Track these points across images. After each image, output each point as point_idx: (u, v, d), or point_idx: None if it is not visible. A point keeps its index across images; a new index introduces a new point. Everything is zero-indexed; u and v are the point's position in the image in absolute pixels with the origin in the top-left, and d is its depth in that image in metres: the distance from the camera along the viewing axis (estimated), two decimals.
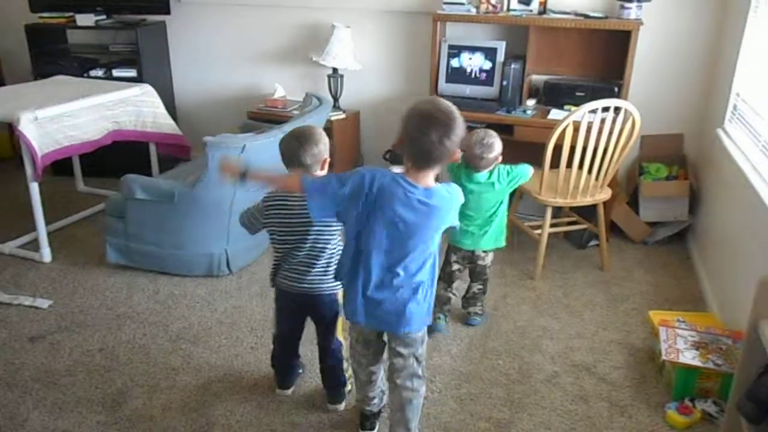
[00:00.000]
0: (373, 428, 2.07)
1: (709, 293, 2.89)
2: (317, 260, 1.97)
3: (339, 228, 1.99)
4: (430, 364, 2.43)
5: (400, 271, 1.70)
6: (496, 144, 2.45)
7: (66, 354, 2.47)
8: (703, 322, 2.42)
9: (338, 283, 1.98)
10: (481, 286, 2.70)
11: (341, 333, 2.14)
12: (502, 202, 2.57)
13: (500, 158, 2.50)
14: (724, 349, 2.23)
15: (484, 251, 2.63)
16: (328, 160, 1.99)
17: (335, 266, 1.95)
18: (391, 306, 1.73)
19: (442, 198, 1.67)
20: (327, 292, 2.02)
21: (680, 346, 2.25)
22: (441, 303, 2.63)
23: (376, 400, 2.05)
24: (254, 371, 2.38)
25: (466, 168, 2.51)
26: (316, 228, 1.94)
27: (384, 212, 1.64)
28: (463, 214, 2.39)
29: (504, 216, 2.61)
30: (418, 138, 1.58)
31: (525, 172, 2.56)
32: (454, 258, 2.65)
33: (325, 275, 1.99)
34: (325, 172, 2.00)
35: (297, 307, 2.08)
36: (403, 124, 1.62)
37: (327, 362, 2.14)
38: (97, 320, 2.69)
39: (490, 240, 2.60)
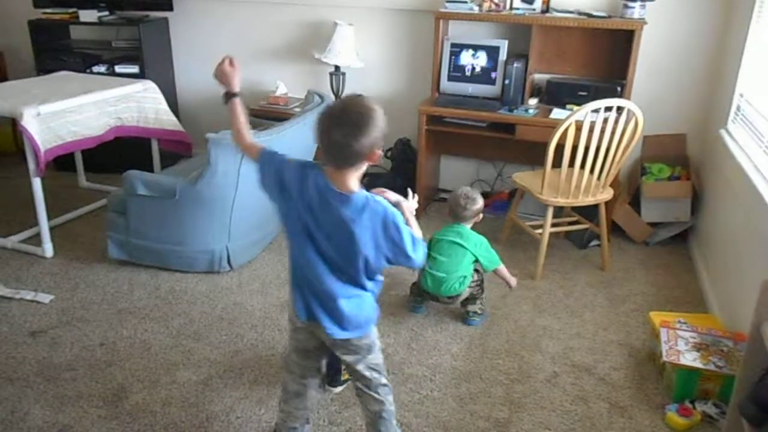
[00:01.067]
0: None
1: (711, 295, 2.88)
2: None
3: None
4: (429, 363, 2.44)
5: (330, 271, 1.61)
6: (478, 199, 2.72)
7: (67, 348, 2.47)
8: (704, 324, 2.41)
9: None
10: (473, 290, 2.70)
11: None
12: (470, 269, 2.67)
13: (481, 215, 2.76)
14: (725, 350, 2.23)
15: (449, 297, 2.67)
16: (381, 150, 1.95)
17: None
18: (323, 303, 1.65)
19: (358, 208, 1.53)
20: None
21: (681, 348, 2.25)
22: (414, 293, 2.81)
23: (296, 427, 1.86)
24: (254, 368, 2.38)
25: (454, 220, 2.72)
26: None
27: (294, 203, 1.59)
28: (433, 259, 2.65)
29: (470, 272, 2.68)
30: (322, 135, 1.51)
31: (497, 260, 2.74)
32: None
33: None
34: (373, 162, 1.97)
35: None
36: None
37: None
38: (98, 315, 2.70)
39: (453, 287, 2.65)
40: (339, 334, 1.66)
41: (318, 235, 1.59)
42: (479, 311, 2.71)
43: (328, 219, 1.56)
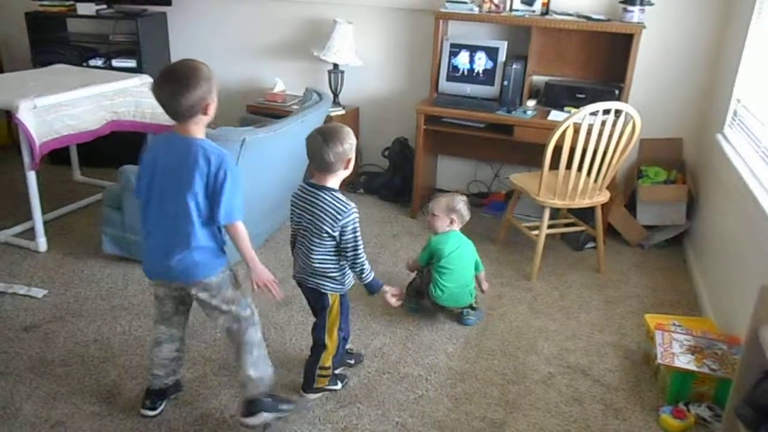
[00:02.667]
0: (152, 408, 2.07)
1: (705, 298, 2.90)
2: (311, 255, 2.06)
3: (332, 241, 2.02)
4: (425, 363, 2.44)
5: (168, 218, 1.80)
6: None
7: (60, 344, 2.46)
8: (698, 327, 2.42)
9: (333, 283, 2.09)
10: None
11: (332, 330, 2.15)
12: (474, 269, 2.72)
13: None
14: (719, 354, 2.24)
15: (460, 307, 2.69)
16: (353, 160, 2.02)
17: (333, 270, 2.07)
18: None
19: (198, 149, 1.73)
20: (310, 285, 2.12)
21: (676, 350, 2.26)
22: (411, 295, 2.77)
23: (160, 375, 2.07)
24: None
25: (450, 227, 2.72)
26: (303, 230, 2.08)
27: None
28: (449, 271, 2.63)
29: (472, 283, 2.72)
30: (156, 94, 1.73)
31: (480, 266, 2.81)
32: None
33: (320, 272, 2.07)
34: (348, 171, 2.03)
35: (303, 289, 2.17)
36: None
37: (311, 349, 2.21)
38: (92, 311, 2.68)
39: (465, 299, 2.67)
40: (183, 277, 1.85)
41: (162, 186, 1.78)
42: (474, 306, 2.72)
43: (172, 165, 1.76)
